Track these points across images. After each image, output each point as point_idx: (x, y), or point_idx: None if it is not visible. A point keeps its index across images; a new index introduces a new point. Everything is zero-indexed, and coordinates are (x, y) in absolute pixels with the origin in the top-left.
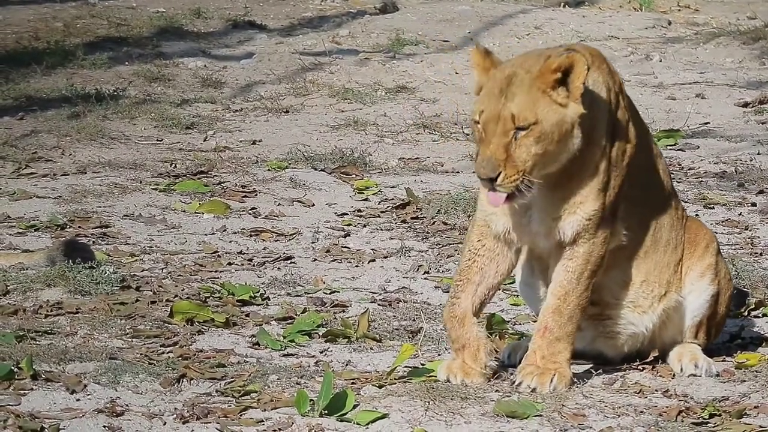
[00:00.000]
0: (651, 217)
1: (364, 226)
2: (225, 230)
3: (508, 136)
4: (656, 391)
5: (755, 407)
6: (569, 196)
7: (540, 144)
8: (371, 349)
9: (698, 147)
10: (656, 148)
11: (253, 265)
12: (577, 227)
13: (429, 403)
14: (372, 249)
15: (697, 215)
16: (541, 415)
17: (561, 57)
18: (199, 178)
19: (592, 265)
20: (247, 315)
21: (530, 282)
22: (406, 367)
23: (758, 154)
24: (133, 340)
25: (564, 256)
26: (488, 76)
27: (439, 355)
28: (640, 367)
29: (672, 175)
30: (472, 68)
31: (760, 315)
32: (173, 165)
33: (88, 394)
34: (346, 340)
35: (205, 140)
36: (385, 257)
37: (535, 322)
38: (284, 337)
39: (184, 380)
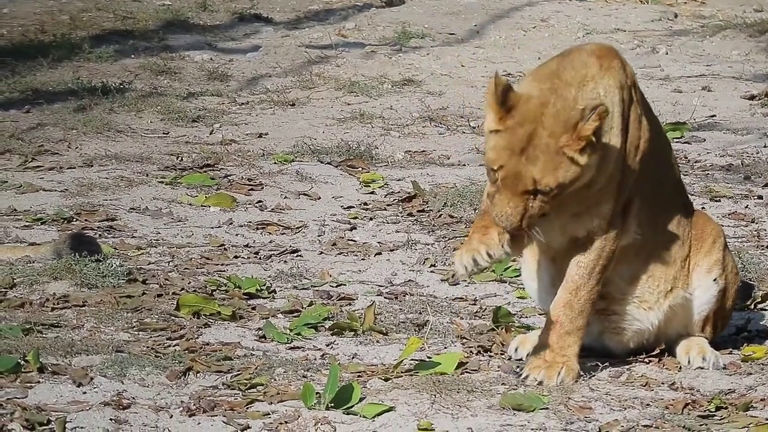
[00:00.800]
0: (662, 212)
1: (371, 219)
2: (231, 223)
3: (527, 194)
4: (662, 383)
5: (762, 400)
6: (586, 197)
7: (557, 199)
8: (377, 342)
9: (704, 140)
10: (668, 142)
11: (260, 258)
12: (591, 225)
13: (435, 396)
14: (378, 242)
15: (703, 208)
16: (547, 408)
17: (593, 122)
18: (205, 171)
19: (604, 260)
20: (254, 308)
21: (539, 276)
22: (412, 360)
23: (764, 146)
24: (140, 333)
25: (576, 250)
26: (505, 125)
27: (445, 348)
28: (646, 360)
29: (680, 171)
30: (486, 102)
31: (766, 308)
32: (179, 158)
33: (95, 387)
34: (353, 333)
35: (211, 133)
36: (392, 250)
37: (542, 315)
38: (291, 330)
39: (191, 373)
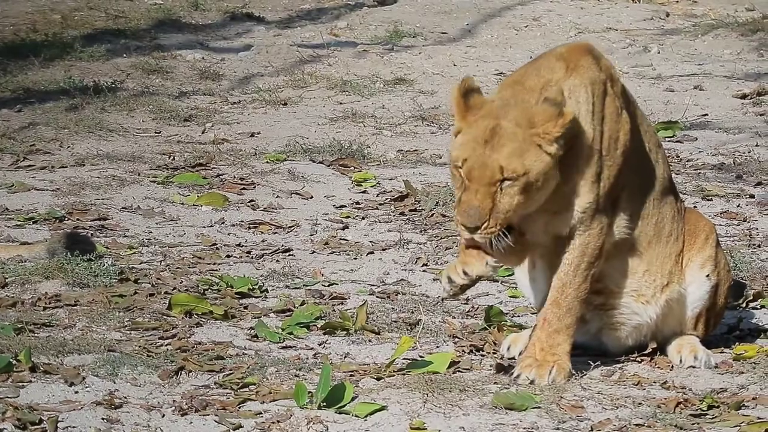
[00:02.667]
0: (654, 206)
1: (363, 218)
2: (223, 222)
3: (494, 185)
4: (654, 382)
5: (753, 398)
6: (563, 191)
7: (525, 193)
8: (370, 341)
9: (696, 139)
10: (655, 138)
11: (252, 258)
12: (573, 220)
13: (427, 395)
14: (370, 241)
15: (695, 207)
16: (539, 407)
17: (554, 110)
18: (197, 171)
19: (589, 257)
20: (246, 307)
21: (531, 275)
22: (404, 359)
23: (756, 145)
24: (132, 332)
25: (561, 249)
26: (467, 122)
27: (437, 347)
28: (638, 359)
29: (670, 167)
30: (452, 106)
31: (758, 306)
32: (171, 157)
33: (87, 387)
34: (345, 332)
35: (203, 132)
36: (384, 249)
37: (534, 314)
38: (283, 330)
39: (183, 372)
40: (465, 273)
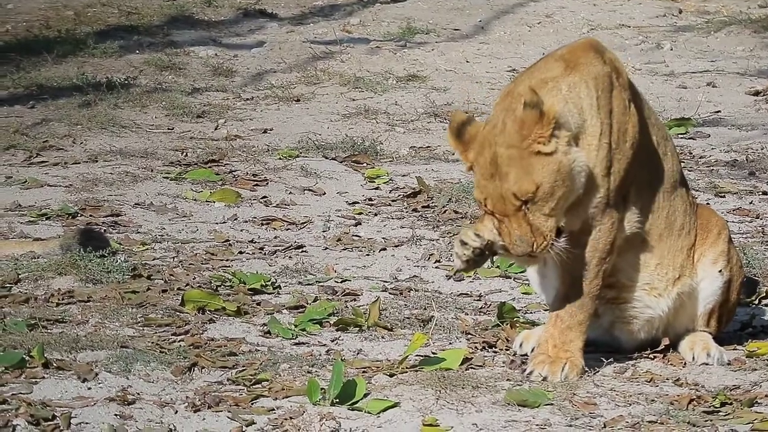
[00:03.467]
0: (664, 200)
1: (375, 214)
2: (236, 219)
3: (520, 210)
4: (667, 379)
5: (766, 395)
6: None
7: (551, 199)
8: (382, 337)
9: (709, 135)
10: (664, 131)
11: (264, 254)
12: (584, 215)
13: (440, 391)
14: (383, 238)
15: (708, 204)
16: (552, 404)
17: (549, 113)
18: (210, 167)
19: (600, 252)
20: (259, 303)
21: (542, 271)
22: (417, 355)
23: None
24: (145, 328)
25: (572, 244)
26: (470, 159)
27: (450, 343)
28: (651, 356)
29: (682, 164)
30: (451, 146)
31: None
32: (184, 153)
33: (100, 383)
34: (357, 328)
35: (216, 129)
36: (396, 246)
37: (546, 310)
38: (295, 326)
39: (196, 369)
40: (477, 235)
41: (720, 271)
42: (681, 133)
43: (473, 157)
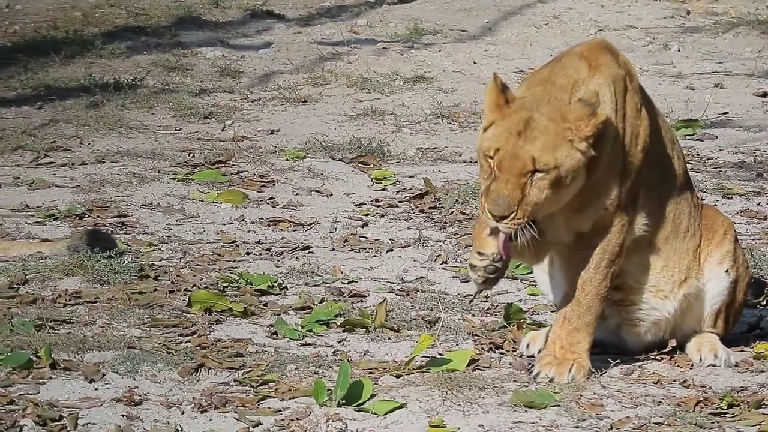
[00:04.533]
0: (671, 202)
1: (382, 215)
2: (243, 220)
3: (525, 177)
4: (674, 381)
5: None
6: (589, 188)
7: (554, 188)
8: (389, 339)
9: (717, 137)
10: (671, 133)
11: (271, 255)
12: (595, 217)
13: (447, 393)
14: (390, 239)
15: (715, 205)
16: (558, 405)
17: (588, 109)
18: (217, 168)
19: (610, 255)
20: (265, 304)
21: (550, 272)
22: (423, 357)
23: None
24: (152, 329)
25: (581, 246)
26: (502, 114)
27: (456, 344)
28: (658, 357)
29: (690, 165)
30: (486, 100)
31: None
32: (191, 154)
33: (107, 383)
34: (364, 329)
35: (223, 130)
36: (403, 247)
37: (553, 312)
38: (302, 327)
39: (202, 369)
40: (481, 253)
41: (726, 271)
42: (688, 135)
43: (505, 113)
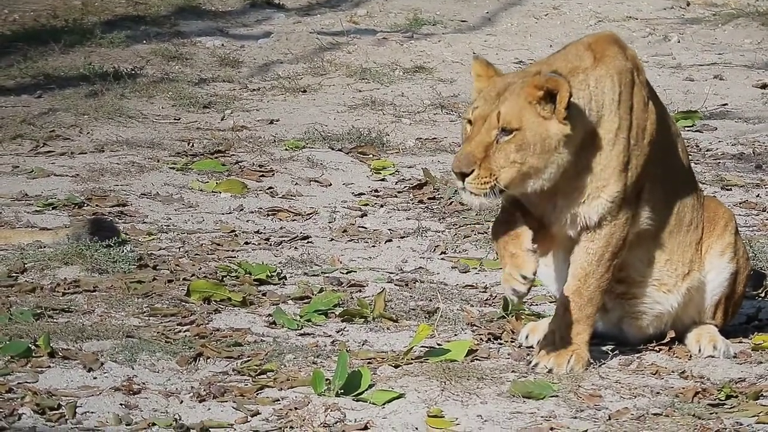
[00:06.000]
0: (675, 196)
1: (381, 206)
2: (242, 209)
3: (491, 136)
4: (673, 372)
5: None
6: (591, 181)
7: (520, 153)
8: (388, 329)
9: (716, 128)
10: (675, 127)
11: (270, 245)
12: (602, 211)
13: (445, 383)
14: (389, 229)
15: (714, 196)
16: (557, 396)
17: (544, 78)
18: (216, 158)
19: (613, 247)
20: (264, 294)
21: (552, 263)
22: (422, 347)
23: None
24: (150, 318)
25: (585, 238)
26: (489, 82)
27: (455, 335)
28: (656, 349)
29: (689, 156)
30: (473, 78)
31: None
32: (190, 144)
33: (105, 372)
34: (363, 319)
35: (222, 119)
36: (402, 237)
37: (552, 303)
38: (301, 317)
39: (201, 359)
40: (524, 277)
41: (727, 262)
42: (688, 126)
43: (492, 81)
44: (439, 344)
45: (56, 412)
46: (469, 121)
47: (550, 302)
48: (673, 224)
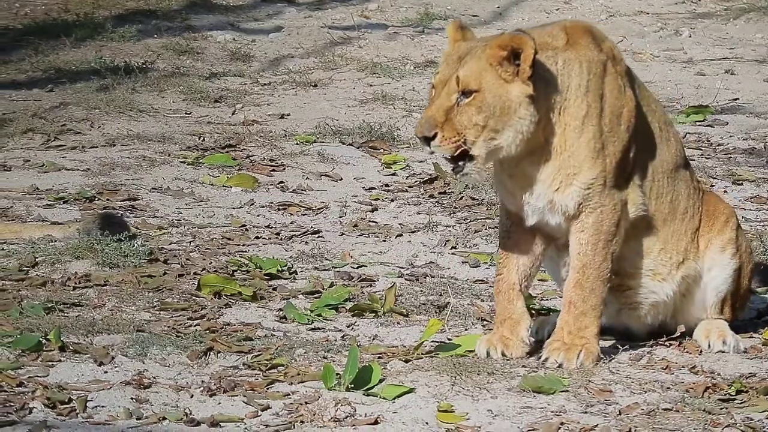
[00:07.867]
0: (667, 184)
1: (392, 200)
2: (253, 204)
3: (451, 99)
4: (683, 367)
5: None
6: (562, 167)
7: (481, 115)
8: (398, 323)
9: (727, 123)
10: (665, 116)
11: (281, 239)
12: (577, 198)
13: (455, 378)
14: (399, 224)
15: (725, 192)
16: (567, 391)
17: (508, 36)
18: (227, 152)
19: (606, 235)
20: (275, 289)
21: (553, 258)
22: (432, 341)
23: None
24: (161, 312)
25: (574, 228)
26: (455, 46)
27: (465, 329)
28: (666, 343)
29: (700, 151)
30: (449, 35)
31: None
32: (201, 138)
33: (116, 366)
34: (373, 314)
35: (233, 114)
36: (413, 232)
37: (561, 297)
38: (311, 311)
39: (212, 353)
40: (503, 355)
41: (729, 258)
42: (699, 121)
43: (458, 45)
44: (449, 339)
45: (67, 406)
46: (433, 86)
47: (560, 297)
48: (667, 212)
